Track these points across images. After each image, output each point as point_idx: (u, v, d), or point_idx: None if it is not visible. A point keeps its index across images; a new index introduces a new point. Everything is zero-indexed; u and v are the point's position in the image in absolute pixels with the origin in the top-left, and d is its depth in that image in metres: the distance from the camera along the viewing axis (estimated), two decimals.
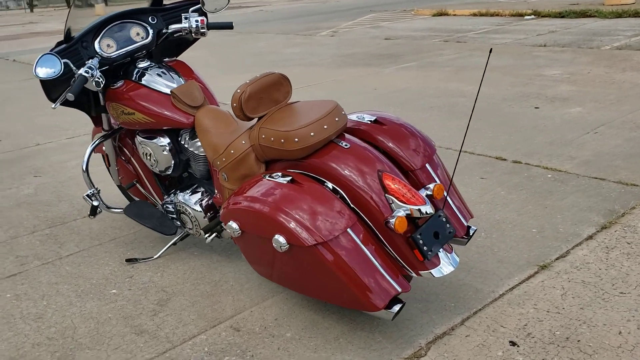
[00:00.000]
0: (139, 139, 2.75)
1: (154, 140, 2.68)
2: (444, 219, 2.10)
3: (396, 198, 2.00)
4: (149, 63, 2.74)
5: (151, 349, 2.24)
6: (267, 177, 2.10)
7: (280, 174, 2.09)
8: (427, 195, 2.12)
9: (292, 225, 1.93)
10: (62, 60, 2.49)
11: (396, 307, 1.95)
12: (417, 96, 6.04)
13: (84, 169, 2.88)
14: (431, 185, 2.11)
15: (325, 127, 2.09)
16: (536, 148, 4.16)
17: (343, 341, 2.20)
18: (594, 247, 2.75)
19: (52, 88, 2.57)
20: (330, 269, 1.92)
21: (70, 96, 2.39)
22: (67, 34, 2.62)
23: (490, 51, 1.85)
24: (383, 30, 12.04)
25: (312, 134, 2.06)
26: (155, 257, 2.91)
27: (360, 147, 2.11)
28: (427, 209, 1.99)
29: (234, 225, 2.12)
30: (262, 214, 1.99)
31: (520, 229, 2.97)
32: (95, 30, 2.67)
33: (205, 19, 2.78)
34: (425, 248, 2.00)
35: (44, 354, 2.26)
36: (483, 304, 2.36)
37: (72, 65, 2.54)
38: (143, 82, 2.65)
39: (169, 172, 2.73)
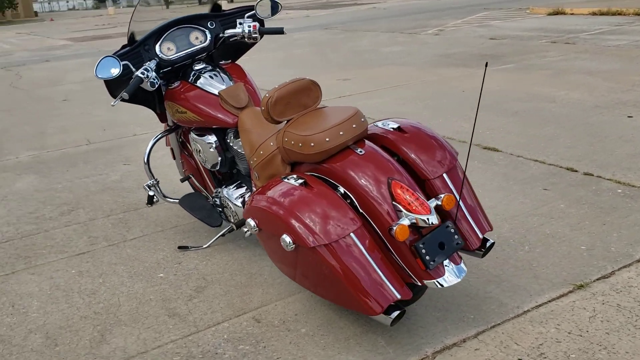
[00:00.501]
0: (192, 135, 2.95)
1: (203, 138, 2.86)
2: (452, 230, 2.08)
3: (403, 206, 2.02)
4: (204, 65, 2.93)
5: (178, 331, 2.42)
6: (284, 179, 2.20)
7: (295, 176, 2.18)
8: (436, 206, 2.11)
9: (297, 226, 2.01)
10: (122, 63, 2.73)
11: (395, 314, 1.98)
12: (504, 100, 5.86)
13: (145, 160, 3.14)
14: (442, 195, 2.10)
15: (341, 133, 2.14)
16: (614, 160, 3.92)
17: (352, 342, 2.25)
18: None
19: (114, 87, 2.83)
20: (331, 270, 1.99)
21: (125, 95, 2.62)
22: (131, 37, 2.86)
23: (486, 65, 1.81)
24: (490, 30, 11.68)
25: (327, 139, 2.13)
26: (204, 246, 3.11)
27: (374, 154, 2.14)
28: (432, 219, 1.99)
29: (251, 222, 2.24)
30: (273, 213, 2.09)
31: (567, 245, 2.84)
32: (157, 34, 2.89)
33: (257, 24, 2.92)
34: (427, 257, 2.01)
35: (87, 326, 2.51)
36: (503, 319, 2.31)
37: (131, 67, 2.78)
38: (197, 84, 2.84)
39: (217, 168, 2.90)
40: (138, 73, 2.68)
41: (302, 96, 2.35)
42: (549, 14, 13.75)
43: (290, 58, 10.13)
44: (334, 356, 2.18)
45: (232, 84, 2.85)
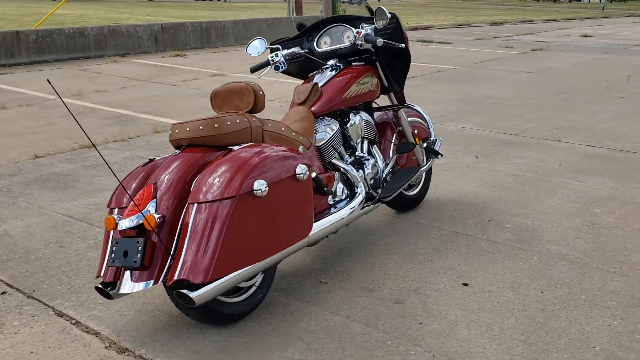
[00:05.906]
0: None
1: None
2: (139, 248, 2.10)
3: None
4: (333, 62, 3.11)
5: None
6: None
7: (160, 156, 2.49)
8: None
9: None
10: (271, 46, 3.13)
11: (98, 287, 2.19)
12: None
13: None
14: (150, 215, 2.12)
15: (177, 131, 2.37)
16: None
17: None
18: None
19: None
20: None
21: (250, 69, 3.10)
22: (299, 26, 3.26)
23: (49, 81, 1.97)
24: None
25: (170, 132, 2.40)
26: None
27: (171, 161, 2.31)
28: (120, 226, 2.12)
29: None
30: None
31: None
32: (320, 28, 3.19)
33: (363, 31, 2.98)
34: (112, 255, 2.13)
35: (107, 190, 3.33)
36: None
37: (281, 49, 3.11)
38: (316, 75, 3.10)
39: None
40: (268, 57, 3.04)
41: (235, 97, 2.51)
42: None
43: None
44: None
45: (325, 81, 2.98)
